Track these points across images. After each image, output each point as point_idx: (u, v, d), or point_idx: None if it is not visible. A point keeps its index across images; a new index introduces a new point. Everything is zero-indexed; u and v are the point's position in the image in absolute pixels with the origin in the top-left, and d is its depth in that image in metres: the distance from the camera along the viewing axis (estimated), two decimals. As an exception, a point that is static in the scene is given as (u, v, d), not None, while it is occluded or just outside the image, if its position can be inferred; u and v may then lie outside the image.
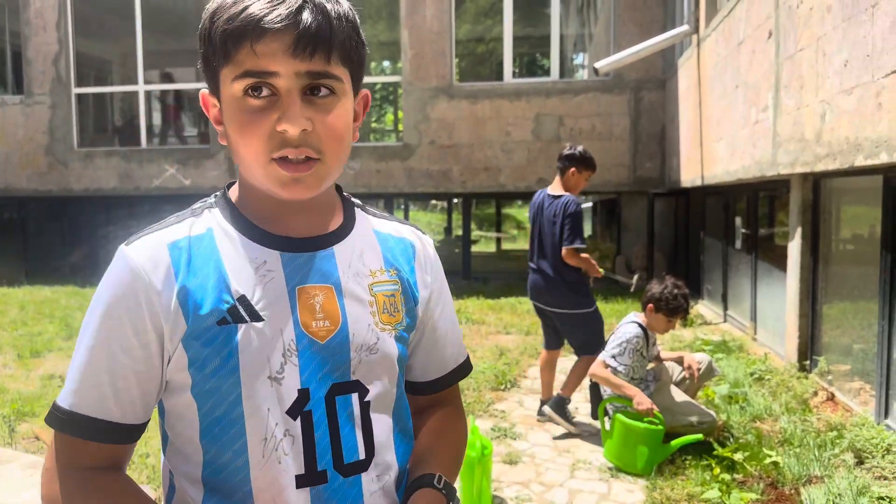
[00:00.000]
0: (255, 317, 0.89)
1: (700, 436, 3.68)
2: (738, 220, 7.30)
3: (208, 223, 0.95)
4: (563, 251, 4.15)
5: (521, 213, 25.96)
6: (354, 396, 0.95)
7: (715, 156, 7.14)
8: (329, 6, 0.88)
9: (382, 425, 0.99)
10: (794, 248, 5.27)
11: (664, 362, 4.16)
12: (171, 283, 0.89)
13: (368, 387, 0.96)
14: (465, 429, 1.16)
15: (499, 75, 10.69)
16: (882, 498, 2.99)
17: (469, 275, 11.22)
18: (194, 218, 0.95)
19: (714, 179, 7.22)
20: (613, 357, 3.82)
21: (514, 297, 9.27)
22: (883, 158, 3.53)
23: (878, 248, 4.07)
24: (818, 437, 3.77)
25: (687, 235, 9.97)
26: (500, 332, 7.25)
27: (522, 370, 5.71)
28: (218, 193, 1.00)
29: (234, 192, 1.00)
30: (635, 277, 5.36)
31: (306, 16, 0.85)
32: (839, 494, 3.06)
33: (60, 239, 12.35)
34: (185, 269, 0.90)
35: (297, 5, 0.85)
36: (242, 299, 0.90)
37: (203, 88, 0.96)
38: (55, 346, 6.35)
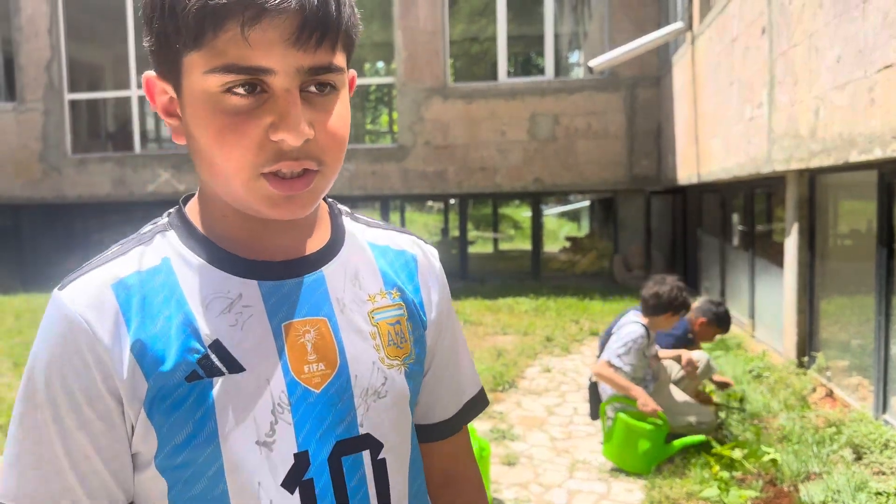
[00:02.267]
0: (235, 367, 0.72)
1: (703, 437, 3.67)
2: (734, 217, 7.30)
3: (163, 251, 0.76)
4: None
5: (518, 212, 25.96)
6: (366, 454, 0.77)
7: (711, 153, 7.13)
8: None
9: (399, 488, 0.81)
10: (791, 245, 5.26)
11: (662, 360, 4.15)
12: (121, 335, 0.70)
13: (381, 441, 0.78)
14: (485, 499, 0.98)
15: (493, 75, 10.68)
16: (880, 493, 2.99)
17: (466, 275, 11.22)
18: (143, 246, 0.76)
19: (710, 177, 7.21)
20: (619, 357, 3.80)
21: (511, 297, 9.26)
22: (877, 154, 3.52)
23: (874, 243, 4.07)
24: (817, 434, 3.76)
25: (684, 233, 9.97)
26: (498, 332, 7.24)
27: (520, 371, 5.70)
28: (171, 211, 0.81)
29: (192, 210, 0.80)
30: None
31: None
32: (837, 490, 3.05)
33: (55, 246, 12.32)
34: (139, 313, 0.71)
35: None
36: (216, 346, 0.72)
37: (148, 72, 0.76)
38: (51, 353, 6.33)
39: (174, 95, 0.73)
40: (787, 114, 4.84)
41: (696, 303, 4.45)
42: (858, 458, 3.49)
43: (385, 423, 0.79)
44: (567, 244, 15.74)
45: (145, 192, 10.93)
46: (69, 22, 11.12)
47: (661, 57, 9.83)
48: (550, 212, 25.40)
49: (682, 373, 4.13)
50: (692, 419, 3.82)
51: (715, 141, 6.93)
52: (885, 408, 3.97)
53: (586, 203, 18.62)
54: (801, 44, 4.52)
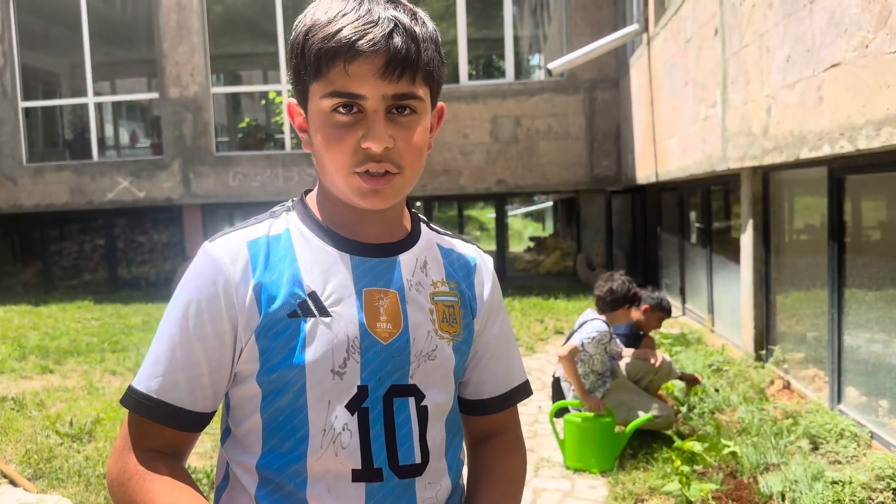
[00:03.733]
0: (324, 312, 0.94)
1: (650, 416, 3.74)
2: (692, 215, 7.43)
3: (286, 224, 1.01)
4: None
5: (483, 214, 26.04)
6: (411, 400, 0.98)
7: (668, 152, 7.25)
8: (417, 29, 0.92)
9: (437, 434, 1.02)
10: (747, 241, 5.37)
11: (625, 359, 4.20)
12: (248, 278, 0.94)
13: (425, 392, 1.00)
14: (522, 464, 1.14)
15: (455, 78, 10.72)
16: (836, 482, 3.06)
17: (432, 278, 11.21)
18: (273, 220, 1.01)
19: (668, 175, 7.33)
20: (583, 342, 3.84)
21: (477, 298, 9.27)
22: (826, 151, 3.61)
23: (826, 237, 4.17)
24: (775, 426, 3.84)
25: (645, 231, 10.11)
26: (464, 334, 7.24)
27: (486, 371, 5.71)
28: (295, 199, 1.06)
29: (311, 198, 1.05)
30: None
31: (397, 40, 0.89)
32: (795, 481, 3.12)
33: (12, 256, 12.04)
34: (263, 265, 0.95)
35: (388, 29, 0.89)
36: (313, 295, 0.95)
37: (290, 99, 1.02)
38: (7, 367, 6.18)
39: (304, 116, 0.98)
40: (740, 112, 4.94)
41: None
42: (815, 448, 3.57)
43: (429, 379, 1.00)
44: (531, 244, 15.83)
45: (104, 200, 10.73)
46: (22, 29, 10.88)
47: (619, 59, 9.96)
48: (515, 213, 25.52)
49: (643, 372, 4.18)
50: (651, 413, 3.87)
51: (672, 140, 7.04)
52: (839, 398, 4.07)
53: (549, 203, 18.74)
54: (753, 44, 4.63)
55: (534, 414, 4.63)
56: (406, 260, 1.02)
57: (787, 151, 4.12)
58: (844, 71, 3.39)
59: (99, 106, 11.82)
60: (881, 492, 2.94)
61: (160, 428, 0.95)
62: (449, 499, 1.04)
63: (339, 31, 0.88)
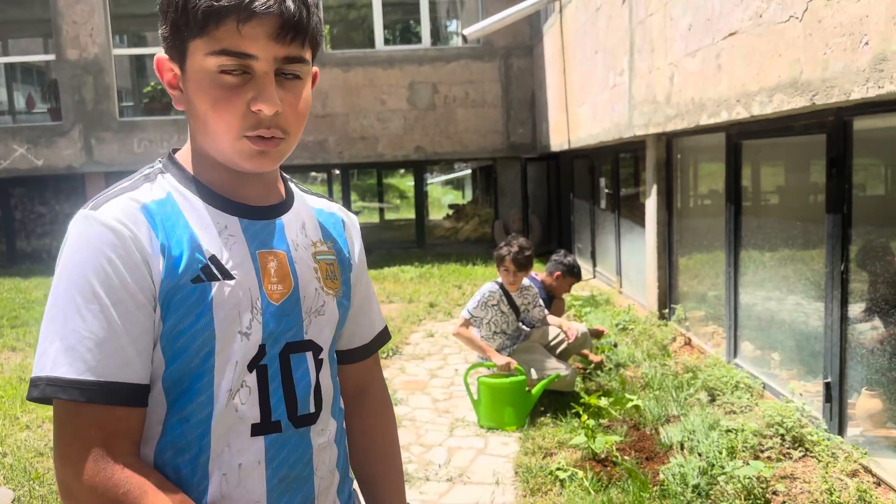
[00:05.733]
0: (227, 275, 0.94)
1: (557, 374, 3.89)
2: (602, 181, 7.62)
3: (166, 188, 0.97)
4: None
5: (403, 182, 25.96)
6: (309, 355, 1.03)
7: (579, 120, 7.39)
8: None
9: (327, 384, 1.07)
10: (651, 205, 5.56)
11: (547, 326, 4.31)
12: (153, 242, 0.91)
13: (322, 346, 1.05)
14: (394, 419, 1.26)
15: (371, 42, 10.57)
16: (730, 430, 3.26)
17: (350, 246, 11.14)
18: (150, 183, 0.97)
19: (579, 143, 7.48)
20: (468, 310, 4.02)
21: (396, 266, 9.31)
22: (724, 117, 3.77)
23: (724, 201, 4.37)
24: (676, 380, 4.04)
25: (559, 197, 10.32)
26: (384, 301, 7.28)
27: (405, 337, 5.77)
28: (163, 160, 1.02)
29: (184, 159, 1.01)
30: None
31: (290, 4, 0.89)
32: (693, 431, 3.31)
33: None
34: (162, 229, 0.92)
35: None
36: (213, 259, 0.94)
37: (160, 54, 0.96)
38: None
39: (178, 73, 0.94)
40: (645, 80, 5.08)
41: (549, 263, 4.85)
42: (712, 399, 3.78)
43: (322, 334, 1.05)
44: (450, 212, 15.92)
45: (-2, 168, 10.14)
46: None
47: (533, 26, 10.03)
48: (435, 181, 25.56)
49: (559, 338, 4.30)
50: (556, 372, 3.99)
51: (583, 108, 7.18)
52: (735, 353, 4.31)
53: (469, 171, 18.83)
54: (658, 12, 4.75)
55: (450, 377, 4.71)
56: (289, 221, 1.04)
57: (688, 118, 4.28)
58: (741, 39, 3.52)
59: (-10, 68, 11.07)
60: (770, 438, 3.15)
61: (124, 413, 0.88)
62: (337, 441, 1.11)
63: None
